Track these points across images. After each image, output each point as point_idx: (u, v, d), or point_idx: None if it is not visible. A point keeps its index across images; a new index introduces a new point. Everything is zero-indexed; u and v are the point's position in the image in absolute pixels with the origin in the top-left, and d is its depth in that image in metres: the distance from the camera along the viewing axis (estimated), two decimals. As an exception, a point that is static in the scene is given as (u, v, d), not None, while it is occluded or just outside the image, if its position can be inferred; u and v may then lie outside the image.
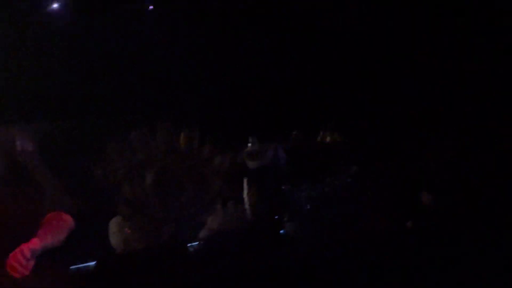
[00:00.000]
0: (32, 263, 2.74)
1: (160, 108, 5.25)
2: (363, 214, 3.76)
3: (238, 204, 4.04)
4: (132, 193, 3.73)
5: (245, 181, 4.13)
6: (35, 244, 2.78)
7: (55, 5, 4.98)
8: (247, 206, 4.03)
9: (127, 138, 4.10)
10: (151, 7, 5.42)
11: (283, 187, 4.03)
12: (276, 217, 3.91)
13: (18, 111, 4.52)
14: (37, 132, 4.08)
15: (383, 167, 4.19)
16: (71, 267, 3.02)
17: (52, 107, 4.85)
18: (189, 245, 3.26)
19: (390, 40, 5.33)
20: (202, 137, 4.20)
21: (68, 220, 3.01)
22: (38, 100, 4.79)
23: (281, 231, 3.81)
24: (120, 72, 5.25)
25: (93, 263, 2.95)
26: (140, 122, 4.31)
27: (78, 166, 3.92)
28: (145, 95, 5.34)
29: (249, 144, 4.33)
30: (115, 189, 3.71)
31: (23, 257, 2.73)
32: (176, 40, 5.37)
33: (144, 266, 2.82)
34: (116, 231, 3.58)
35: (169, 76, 5.39)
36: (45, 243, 2.81)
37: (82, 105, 5.05)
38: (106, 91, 5.17)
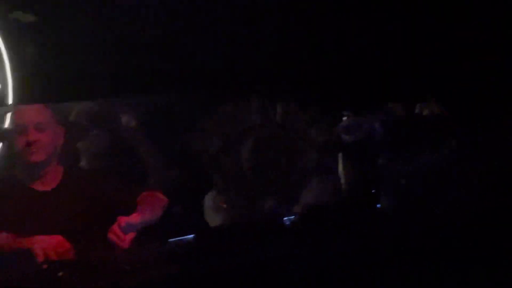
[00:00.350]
0: (131, 236, 2.82)
1: (255, 81, 5.27)
2: (461, 189, 3.67)
3: (333, 178, 4.02)
4: (227, 166, 3.77)
5: (340, 155, 4.11)
6: (134, 218, 2.85)
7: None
8: (342, 180, 4.01)
9: (223, 111, 4.14)
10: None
11: (379, 161, 3.98)
12: (372, 191, 3.88)
13: (120, 86, 4.61)
14: (138, 106, 4.16)
15: (483, 141, 4.07)
16: (169, 240, 3.09)
17: (151, 81, 4.92)
18: (285, 218, 3.27)
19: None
20: (298, 111, 4.19)
21: (164, 200, 3.08)
22: (138, 74, 4.88)
23: (377, 206, 3.77)
24: (217, 46, 5.29)
25: (191, 236, 3.01)
26: (236, 95, 4.33)
27: (176, 140, 3.98)
28: (241, 68, 5.36)
29: (345, 118, 4.30)
30: (211, 163, 3.75)
31: (120, 229, 2.81)
32: (271, 14, 5.35)
33: (240, 240, 2.85)
34: (211, 205, 3.62)
35: (264, 48, 5.39)
36: (143, 218, 2.88)
37: (180, 79, 5.11)
38: (203, 64, 5.21)
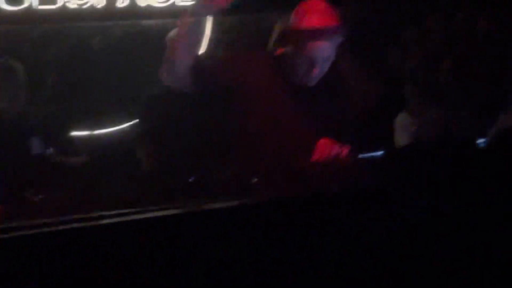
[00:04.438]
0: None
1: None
2: None
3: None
4: (426, 83, 3.71)
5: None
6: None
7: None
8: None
9: (423, 24, 4.02)
10: None
11: None
12: None
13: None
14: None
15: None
16: (359, 156, 3.16)
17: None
18: (477, 141, 3.17)
19: None
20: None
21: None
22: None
23: None
24: None
25: (379, 153, 3.05)
26: (438, 6, 4.16)
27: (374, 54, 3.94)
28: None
29: None
30: (409, 78, 3.69)
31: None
32: None
33: (428, 159, 2.81)
34: (401, 126, 3.59)
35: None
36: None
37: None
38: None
